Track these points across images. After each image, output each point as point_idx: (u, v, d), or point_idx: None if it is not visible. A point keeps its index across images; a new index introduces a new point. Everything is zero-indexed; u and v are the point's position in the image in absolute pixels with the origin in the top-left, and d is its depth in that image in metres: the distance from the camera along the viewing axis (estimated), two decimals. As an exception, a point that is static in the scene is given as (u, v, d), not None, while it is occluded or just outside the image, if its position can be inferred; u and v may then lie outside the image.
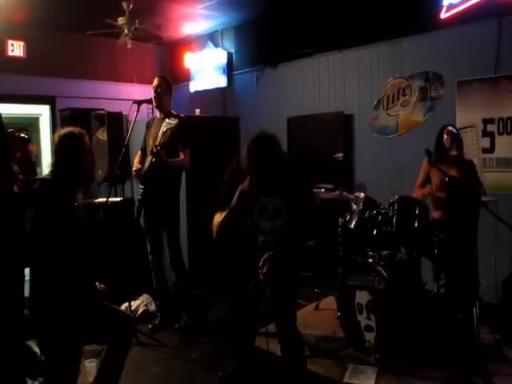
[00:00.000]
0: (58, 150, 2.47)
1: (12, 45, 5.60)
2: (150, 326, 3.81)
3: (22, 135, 3.11)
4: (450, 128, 3.53)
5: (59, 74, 5.97)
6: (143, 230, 3.94)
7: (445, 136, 3.53)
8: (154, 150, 3.42)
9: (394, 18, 4.55)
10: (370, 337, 3.10)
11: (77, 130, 2.53)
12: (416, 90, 4.52)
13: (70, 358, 2.40)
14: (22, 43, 5.66)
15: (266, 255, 2.63)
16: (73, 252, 2.36)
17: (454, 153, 3.47)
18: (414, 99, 4.55)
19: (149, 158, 3.56)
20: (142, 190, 3.73)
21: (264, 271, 2.61)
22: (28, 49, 5.71)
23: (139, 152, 3.89)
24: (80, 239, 2.41)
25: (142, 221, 3.88)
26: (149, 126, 3.88)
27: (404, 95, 4.63)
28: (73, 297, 2.36)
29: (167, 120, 3.50)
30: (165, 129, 3.46)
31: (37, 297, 2.37)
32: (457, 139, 3.51)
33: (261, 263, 2.64)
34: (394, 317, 3.00)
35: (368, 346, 3.11)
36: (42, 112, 6.11)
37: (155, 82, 3.80)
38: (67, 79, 6.06)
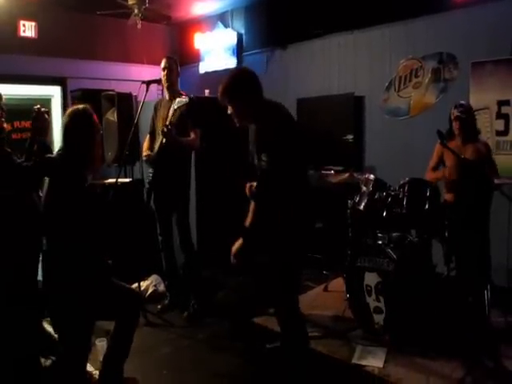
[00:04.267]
0: (70, 127, 2.44)
1: (24, 25, 5.57)
2: (159, 307, 3.85)
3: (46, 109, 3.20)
4: (457, 113, 3.45)
5: (70, 55, 5.94)
6: (153, 211, 3.95)
7: (453, 123, 3.47)
8: (165, 129, 3.39)
9: (407, -3, 4.45)
10: (379, 319, 3.11)
11: (87, 108, 2.51)
12: (429, 71, 4.44)
13: (82, 334, 2.43)
14: (33, 23, 5.63)
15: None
16: (86, 228, 2.37)
17: (462, 140, 3.43)
18: (427, 81, 4.47)
19: (159, 139, 3.53)
20: (151, 173, 3.71)
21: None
22: (39, 29, 5.69)
23: (148, 136, 3.86)
24: (93, 214, 2.41)
25: (152, 203, 3.87)
26: (157, 107, 3.85)
27: (416, 76, 4.55)
28: (85, 271, 2.38)
29: (178, 99, 3.47)
30: (176, 107, 3.44)
31: (50, 272, 2.40)
32: (465, 123, 3.45)
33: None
34: (404, 299, 2.99)
35: (377, 327, 3.12)
36: (54, 93, 6.10)
37: (164, 62, 3.76)
38: (78, 60, 6.03)
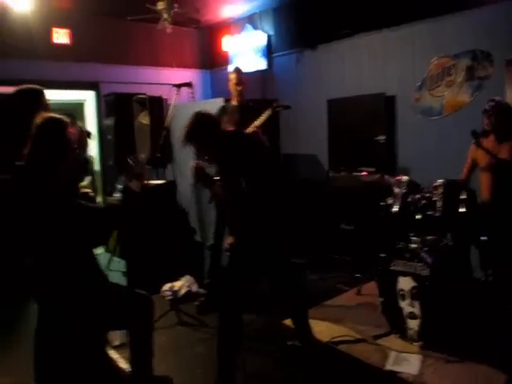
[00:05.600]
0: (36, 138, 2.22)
1: (57, 32, 5.73)
2: (196, 303, 3.87)
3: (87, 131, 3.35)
4: (485, 107, 3.36)
5: (103, 60, 6.09)
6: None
7: (484, 121, 3.38)
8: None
9: (439, -7, 4.36)
10: (413, 324, 3.05)
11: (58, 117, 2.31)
12: (462, 69, 4.33)
13: (92, 346, 2.38)
14: (66, 30, 5.79)
15: None
16: (75, 240, 2.24)
17: (497, 139, 3.33)
18: (460, 79, 4.36)
19: None
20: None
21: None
22: (73, 36, 5.84)
23: None
24: (81, 226, 2.25)
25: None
26: (225, 111, 3.94)
27: (449, 75, 4.44)
28: (84, 285, 2.28)
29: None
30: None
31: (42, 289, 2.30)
32: (497, 119, 3.35)
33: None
34: (439, 304, 2.93)
35: (411, 333, 3.06)
36: (87, 97, 6.26)
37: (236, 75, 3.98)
38: (110, 65, 6.17)
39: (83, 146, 3.48)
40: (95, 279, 2.37)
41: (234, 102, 4.02)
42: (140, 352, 2.51)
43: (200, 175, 3.20)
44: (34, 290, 2.33)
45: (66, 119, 2.32)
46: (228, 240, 2.89)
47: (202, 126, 2.73)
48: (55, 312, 2.29)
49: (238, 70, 4.05)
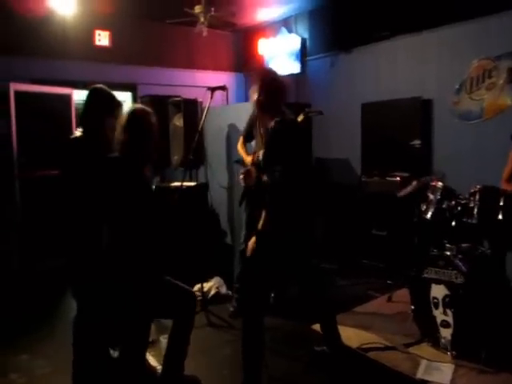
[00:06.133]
0: (128, 125, 2.51)
1: (99, 35, 5.92)
2: (231, 309, 3.86)
3: None
4: None
5: (141, 62, 6.24)
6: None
7: None
8: None
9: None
10: (446, 333, 2.96)
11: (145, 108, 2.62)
12: (504, 71, 4.20)
13: (141, 330, 2.52)
14: (107, 33, 5.97)
15: None
16: (145, 223, 2.44)
17: None
18: (502, 81, 4.22)
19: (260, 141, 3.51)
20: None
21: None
22: (113, 38, 6.01)
23: (241, 138, 3.80)
24: (153, 211, 2.49)
25: (244, 207, 3.83)
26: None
27: (490, 77, 4.31)
28: (143, 267, 2.45)
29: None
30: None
31: (110, 267, 2.49)
32: None
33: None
34: (474, 314, 2.83)
35: (444, 342, 2.98)
36: (124, 99, 6.40)
37: None
38: (148, 67, 6.32)
39: None
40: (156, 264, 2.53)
41: None
42: (176, 348, 2.59)
43: (250, 180, 3.20)
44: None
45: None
46: (251, 242, 2.82)
47: (279, 81, 2.76)
48: (94, 303, 2.49)
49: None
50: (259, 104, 2.76)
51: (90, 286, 2.66)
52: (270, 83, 2.74)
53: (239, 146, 3.80)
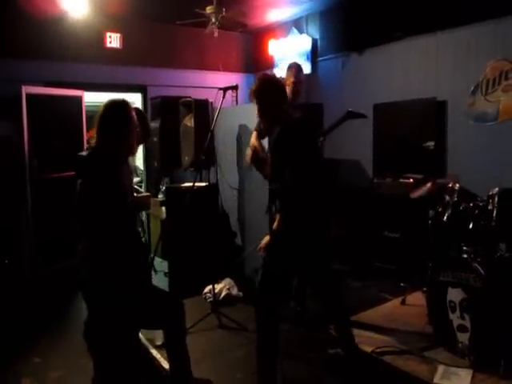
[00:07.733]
0: (102, 121, 2.40)
1: (110, 37, 5.92)
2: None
3: None
4: None
5: (151, 64, 6.23)
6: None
7: None
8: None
9: (497, -7, 4.18)
10: (463, 337, 2.90)
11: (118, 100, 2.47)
12: (521, 73, 4.14)
13: (124, 342, 2.43)
14: (118, 35, 5.97)
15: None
16: (118, 228, 2.30)
17: None
18: (519, 83, 4.16)
19: None
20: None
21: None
22: (123, 40, 6.00)
23: (255, 133, 3.69)
24: (126, 214, 2.36)
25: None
26: None
27: (506, 79, 4.24)
28: (123, 274, 2.32)
29: None
30: None
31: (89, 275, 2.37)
32: None
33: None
34: (492, 318, 2.77)
35: (461, 347, 2.92)
36: (134, 100, 6.40)
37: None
38: (158, 68, 6.31)
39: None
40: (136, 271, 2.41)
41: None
42: (175, 354, 2.55)
43: (254, 157, 3.13)
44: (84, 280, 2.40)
45: (130, 102, 2.47)
46: (264, 240, 2.81)
47: (269, 85, 2.74)
48: (99, 305, 2.37)
49: (296, 66, 3.88)
50: (258, 114, 2.79)
51: (93, 289, 2.60)
52: (259, 91, 2.73)
53: (253, 138, 3.68)
